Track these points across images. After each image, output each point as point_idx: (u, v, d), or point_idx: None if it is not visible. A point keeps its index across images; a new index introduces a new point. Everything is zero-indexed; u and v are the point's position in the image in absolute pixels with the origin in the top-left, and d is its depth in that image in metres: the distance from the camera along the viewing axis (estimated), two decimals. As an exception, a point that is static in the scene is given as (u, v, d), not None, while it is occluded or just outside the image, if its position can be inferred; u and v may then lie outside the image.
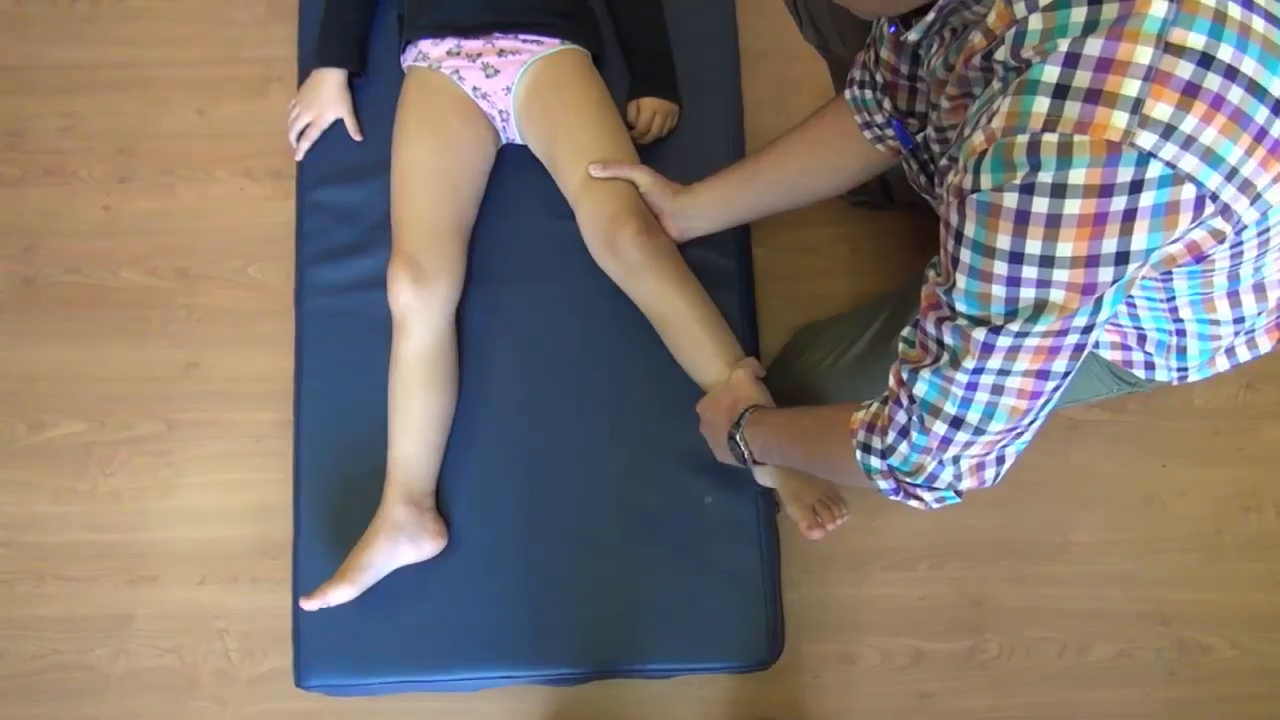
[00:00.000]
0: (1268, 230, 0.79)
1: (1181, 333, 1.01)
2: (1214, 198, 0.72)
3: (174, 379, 1.66)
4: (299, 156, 1.54)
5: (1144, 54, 0.68)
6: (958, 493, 0.97)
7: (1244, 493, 1.64)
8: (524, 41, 1.45)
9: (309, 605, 1.29)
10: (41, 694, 1.55)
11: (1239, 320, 0.95)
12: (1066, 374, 0.85)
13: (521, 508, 1.39)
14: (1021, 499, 1.62)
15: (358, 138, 1.53)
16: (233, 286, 1.70)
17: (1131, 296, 0.97)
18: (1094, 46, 0.69)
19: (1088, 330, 0.80)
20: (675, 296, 1.36)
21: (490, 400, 1.42)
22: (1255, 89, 0.69)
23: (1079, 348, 0.82)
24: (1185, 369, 1.07)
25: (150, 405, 1.66)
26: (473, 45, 1.45)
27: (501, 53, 1.44)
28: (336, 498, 1.41)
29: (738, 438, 1.23)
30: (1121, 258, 0.74)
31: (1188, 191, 0.71)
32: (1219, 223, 0.75)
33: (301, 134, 1.53)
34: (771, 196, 1.34)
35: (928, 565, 1.60)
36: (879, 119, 1.17)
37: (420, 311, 1.36)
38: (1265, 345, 1.05)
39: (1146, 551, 1.61)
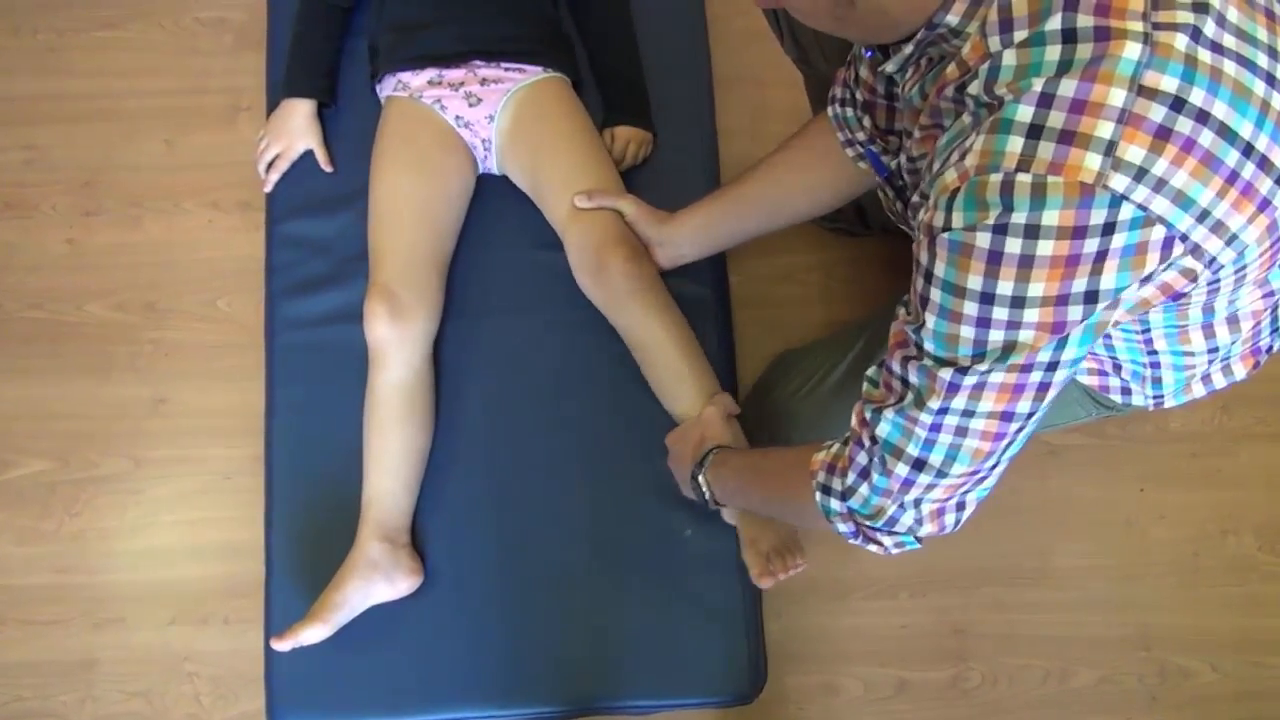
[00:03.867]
0: (1244, 267, 0.79)
1: (1156, 364, 1.01)
2: (1184, 238, 0.72)
3: (141, 415, 1.63)
4: (268, 188, 1.52)
5: (1118, 96, 0.69)
6: (917, 538, 0.96)
7: (1222, 516, 1.64)
8: (506, 69, 1.44)
9: (281, 646, 1.26)
10: (4, 743, 1.51)
11: (1213, 350, 0.95)
12: (1030, 415, 0.84)
13: (499, 543, 1.37)
14: (1001, 525, 1.62)
15: (328, 169, 1.51)
16: (201, 320, 1.67)
17: (1126, 330, 0.97)
18: (1068, 87, 0.69)
19: (1051, 368, 0.80)
20: (658, 326, 1.35)
21: (467, 435, 1.40)
22: (1226, 132, 0.70)
23: (1043, 386, 0.81)
24: (1161, 396, 1.07)
25: (117, 442, 1.62)
26: (454, 74, 1.44)
27: (484, 81, 1.43)
28: (309, 535, 1.38)
29: (700, 478, 1.23)
30: (1090, 296, 0.74)
31: (1157, 233, 0.71)
32: (1189, 262, 0.75)
33: (271, 165, 1.51)
34: (757, 220, 1.34)
35: (909, 594, 1.59)
36: (860, 136, 1.17)
37: (397, 344, 1.34)
38: (1240, 372, 1.05)
39: (1126, 576, 1.62)
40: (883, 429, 0.89)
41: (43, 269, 1.70)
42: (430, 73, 1.44)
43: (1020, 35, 0.72)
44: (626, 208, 1.37)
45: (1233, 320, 0.91)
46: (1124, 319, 0.82)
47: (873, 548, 0.98)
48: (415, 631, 1.35)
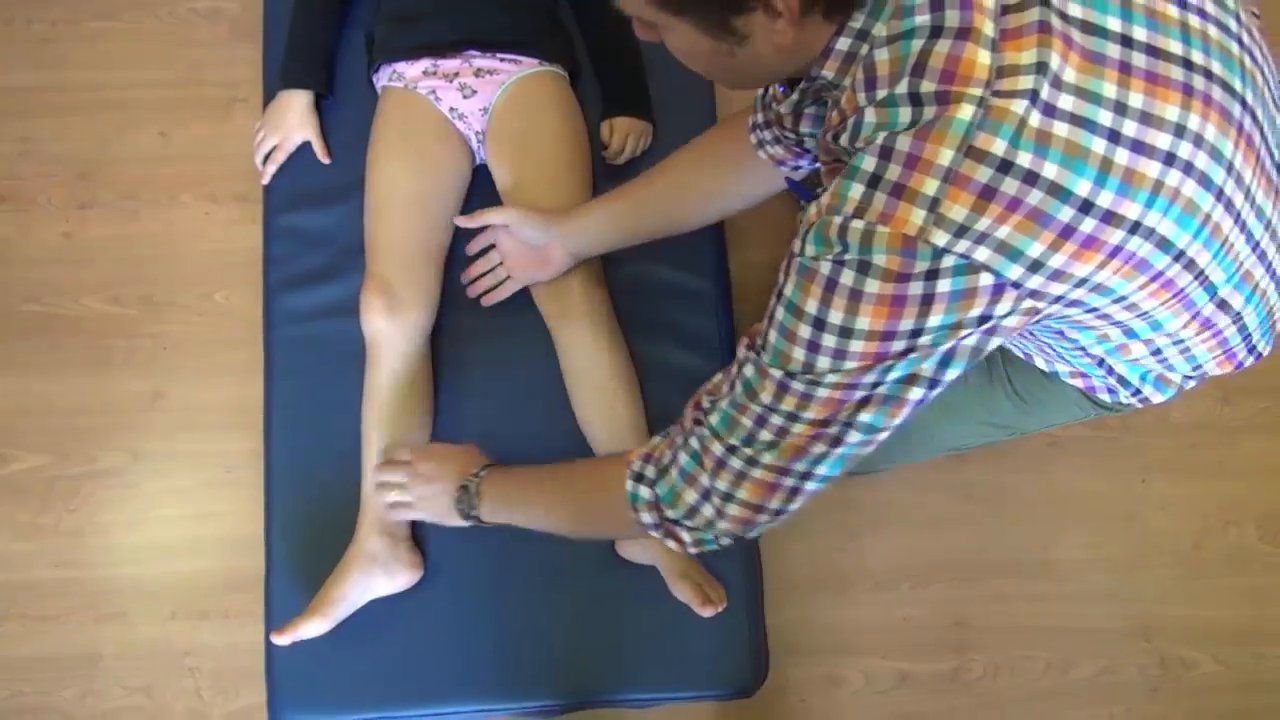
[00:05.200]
0: (1124, 299, 0.80)
1: (1111, 371, 1.02)
2: (1016, 285, 0.75)
3: (139, 409, 1.63)
4: (265, 180, 1.50)
5: (946, 156, 0.72)
6: (716, 538, 0.96)
7: (1223, 507, 1.65)
8: (501, 60, 1.43)
9: (281, 640, 1.26)
10: (5, 738, 1.51)
11: (1157, 354, 0.95)
12: (846, 424, 0.85)
13: (498, 536, 1.35)
14: (1003, 517, 1.62)
15: (325, 161, 1.50)
16: (199, 314, 1.67)
17: (1054, 347, 0.98)
18: (904, 143, 0.73)
19: (875, 386, 0.82)
20: (605, 353, 1.36)
21: (465, 428, 1.39)
22: (1057, 190, 0.72)
23: (864, 400, 0.84)
24: (1140, 393, 1.07)
25: (115, 437, 1.62)
26: (449, 65, 1.42)
27: (479, 73, 1.42)
28: (309, 529, 1.37)
29: (472, 489, 1.21)
30: (915, 333, 0.78)
31: (985, 279, 0.75)
32: (1029, 304, 0.77)
33: (268, 157, 1.50)
34: (663, 218, 1.32)
35: (910, 586, 1.59)
36: (767, 136, 1.16)
37: (394, 338, 1.33)
38: (1218, 371, 1.03)
39: (1128, 567, 1.62)
40: (714, 418, 0.92)
41: (39, 262, 1.69)
42: (425, 63, 1.43)
43: (880, 94, 0.75)
44: (510, 218, 1.35)
45: (1165, 335, 0.91)
46: (967, 357, 0.83)
47: (671, 543, 0.99)
48: (415, 625, 1.34)
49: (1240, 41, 0.80)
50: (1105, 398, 1.10)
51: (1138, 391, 1.06)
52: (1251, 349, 0.97)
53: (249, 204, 1.68)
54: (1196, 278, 0.81)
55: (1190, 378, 1.04)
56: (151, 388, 1.64)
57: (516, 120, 1.41)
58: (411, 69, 1.43)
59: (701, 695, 1.38)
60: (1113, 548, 1.62)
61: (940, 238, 0.72)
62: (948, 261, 0.73)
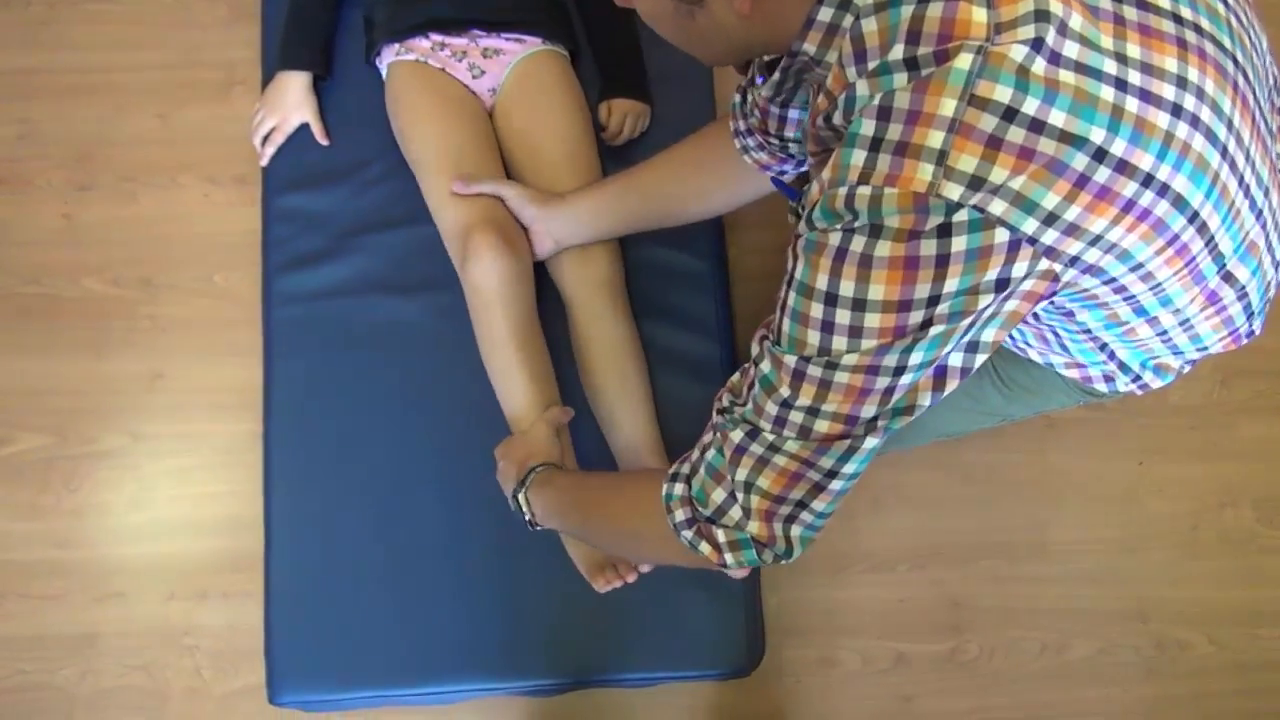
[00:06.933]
0: (1142, 266, 0.78)
1: (1113, 357, 1.00)
2: (1032, 241, 0.72)
3: (139, 391, 1.63)
4: (264, 162, 1.51)
5: (949, 106, 0.69)
6: (754, 542, 0.90)
7: (1220, 489, 1.65)
8: (506, 40, 1.43)
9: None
10: (5, 716, 1.52)
11: (1162, 334, 0.93)
12: (874, 419, 0.83)
13: (499, 516, 1.36)
14: (1000, 498, 1.62)
15: (324, 142, 1.50)
16: (198, 295, 1.67)
17: (1057, 331, 0.96)
18: (903, 99, 0.70)
19: (899, 372, 0.79)
20: (622, 323, 1.37)
21: (467, 408, 1.39)
22: (1069, 138, 0.69)
23: (889, 391, 0.81)
24: (1139, 378, 1.06)
25: (115, 418, 1.62)
26: (457, 43, 1.43)
27: (485, 53, 1.43)
28: (309, 510, 1.38)
29: (520, 497, 1.21)
30: (933, 301, 0.74)
31: (1000, 235, 0.71)
32: (1046, 264, 0.74)
33: (266, 139, 1.50)
34: (648, 214, 1.32)
35: (907, 567, 1.60)
36: (751, 143, 1.16)
37: (517, 275, 1.30)
38: (1219, 350, 1.03)
39: (1125, 549, 1.62)
40: (734, 415, 0.89)
41: (38, 244, 1.69)
42: (434, 38, 1.43)
43: (872, 64, 0.73)
44: (508, 191, 1.34)
45: (1175, 311, 0.89)
46: (995, 336, 0.80)
47: (707, 548, 0.93)
48: (415, 605, 1.35)
49: (1225, 1, 0.79)
50: (1101, 387, 1.09)
51: (1137, 378, 1.05)
52: (1250, 326, 0.96)
53: (248, 186, 1.68)
54: (1207, 244, 0.79)
55: (1190, 361, 1.03)
56: (151, 369, 1.64)
57: (527, 99, 1.42)
58: (422, 44, 1.43)
59: (698, 675, 1.39)
60: (1110, 529, 1.62)
61: (953, 191, 0.69)
62: (961, 216, 0.70)
